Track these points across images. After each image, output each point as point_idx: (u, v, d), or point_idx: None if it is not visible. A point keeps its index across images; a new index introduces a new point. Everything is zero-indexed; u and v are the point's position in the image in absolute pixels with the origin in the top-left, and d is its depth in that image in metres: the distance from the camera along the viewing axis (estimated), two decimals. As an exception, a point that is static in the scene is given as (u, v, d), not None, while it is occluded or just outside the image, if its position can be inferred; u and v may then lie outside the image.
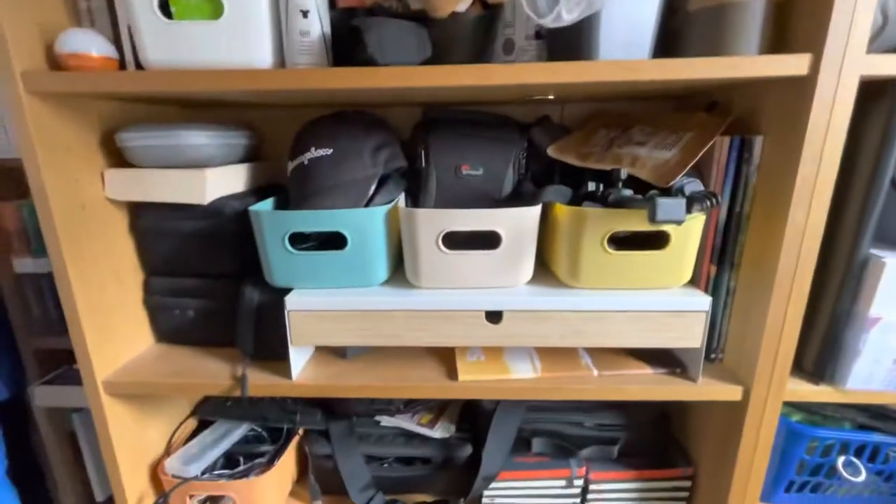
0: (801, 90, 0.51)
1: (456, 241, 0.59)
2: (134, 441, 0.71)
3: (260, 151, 0.85)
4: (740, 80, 0.55)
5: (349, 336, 0.62)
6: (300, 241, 0.64)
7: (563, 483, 0.76)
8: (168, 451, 0.78)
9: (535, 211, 0.59)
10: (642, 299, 0.59)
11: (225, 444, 0.80)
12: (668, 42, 0.56)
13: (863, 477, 0.65)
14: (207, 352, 0.72)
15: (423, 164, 0.71)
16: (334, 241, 0.61)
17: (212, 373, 0.66)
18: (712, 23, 0.52)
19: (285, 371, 0.64)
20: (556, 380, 0.63)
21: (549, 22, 0.50)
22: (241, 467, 0.78)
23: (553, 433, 0.76)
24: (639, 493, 0.76)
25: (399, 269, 0.67)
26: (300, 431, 0.84)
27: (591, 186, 0.64)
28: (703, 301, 0.59)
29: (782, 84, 0.54)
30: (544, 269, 0.68)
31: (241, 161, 0.75)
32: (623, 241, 0.59)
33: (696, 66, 0.50)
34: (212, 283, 0.70)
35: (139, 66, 0.57)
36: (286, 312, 0.61)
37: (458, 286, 0.62)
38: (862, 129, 0.54)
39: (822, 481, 0.69)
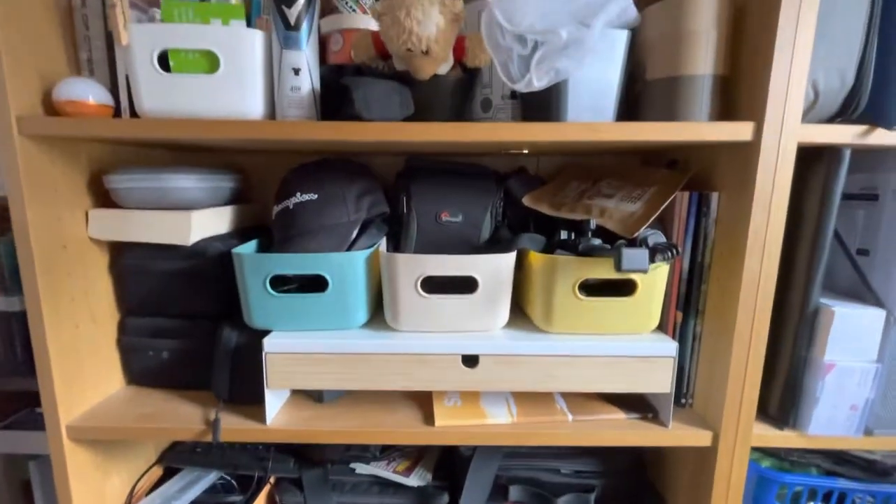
0: (747, 153, 0.56)
1: (435, 285, 0.61)
2: (94, 491, 0.68)
3: (245, 194, 0.87)
4: (693, 143, 0.60)
5: (327, 379, 0.62)
6: (281, 283, 0.65)
7: (540, 533, 0.74)
8: (130, 502, 0.74)
9: (511, 258, 0.62)
10: (612, 344, 0.61)
11: (191, 495, 0.76)
12: (631, 107, 0.61)
13: (832, 524, 0.66)
14: (179, 395, 0.71)
15: (405, 211, 0.74)
16: (315, 283, 0.63)
17: (183, 417, 0.65)
18: (667, 92, 0.58)
19: (260, 416, 0.64)
20: (531, 425, 0.64)
21: (521, 87, 0.54)
22: (207, 519, 0.74)
23: (530, 480, 0.75)
24: (617, 543, 0.75)
25: (378, 312, 0.68)
26: (272, 480, 0.81)
27: (564, 235, 0.68)
28: (670, 346, 0.62)
29: (732, 147, 0.59)
30: (520, 315, 0.70)
31: (227, 203, 0.77)
32: (594, 288, 0.62)
33: (652, 129, 0.55)
34: (189, 323, 0.70)
35: (134, 113, 0.60)
36: (264, 354, 0.61)
37: (436, 329, 0.63)
38: (805, 188, 0.59)
39: (795, 529, 0.69)
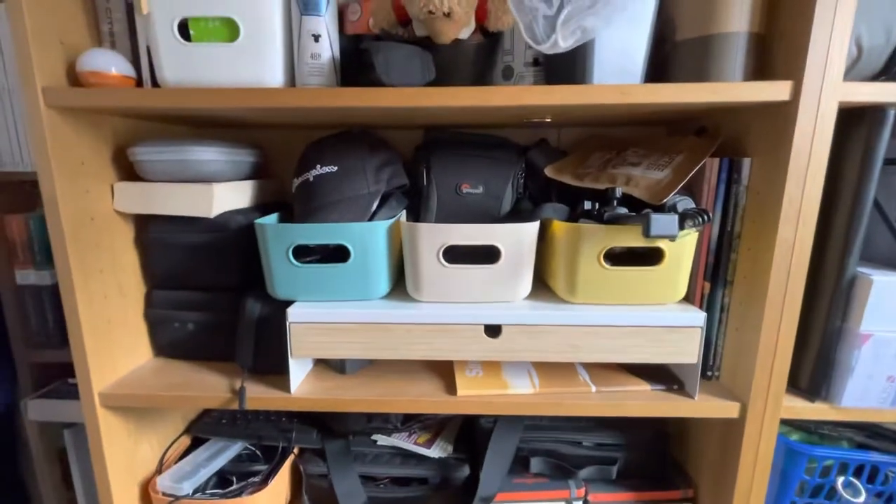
0: (783, 115, 0.54)
1: (456, 255, 0.61)
2: (126, 457, 0.70)
3: (265, 170, 0.87)
4: (726, 105, 0.58)
5: (349, 349, 0.62)
6: (303, 254, 0.65)
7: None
8: (160, 469, 0.76)
9: (534, 227, 0.61)
10: (638, 314, 0.60)
11: (218, 463, 0.79)
12: (659, 70, 0.59)
13: (863, 498, 0.64)
14: (205, 366, 0.72)
15: (425, 183, 0.73)
16: (337, 254, 0.63)
17: (210, 386, 0.66)
18: (698, 52, 0.55)
19: (284, 385, 0.64)
20: (555, 395, 0.64)
21: (546, 48, 0.53)
22: (234, 486, 0.76)
23: (551, 452, 0.75)
24: (638, 515, 0.75)
25: (400, 283, 0.68)
26: (295, 450, 0.83)
27: (587, 205, 0.66)
28: (697, 317, 0.60)
29: (766, 109, 0.57)
30: (542, 286, 0.69)
31: (248, 178, 0.77)
32: (619, 258, 0.61)
33: (685, 91, 0.53)
34: (213, 296, 0.71)
35: (155, 84, 0.60)
36: (288, 324, 0.62)
37: (458, 300, 0.63)
38: (844, 152, 0.57)
39: (823, 503, 0.68)
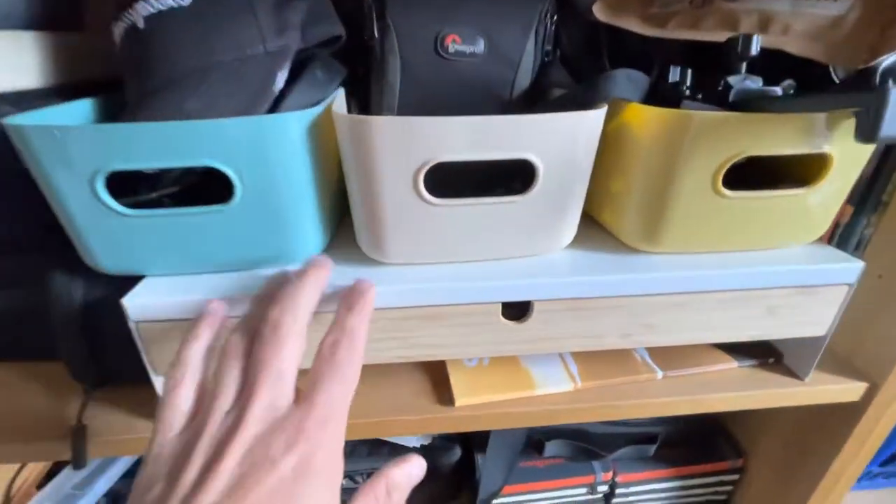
0: None
1: (442, 179, 0.31)
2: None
3: (77, 14, 0.48)
4: None
5: (261, 355, 0.35)
6: (145, 186, 0.33)
7: (584, 490, 0.58)
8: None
9: (599, 117, 0.32)
10: (755, 271, 0.36)
11: (101, 485, 0.54)
12: None
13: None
14: (21, 372, 0.42)
15: (377, 35, 0.39)
16: (210, 185, 0.31)
17: (22, 421, 0.38)
18: None
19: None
20: (604, 390, 0.41)
21: None
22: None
23: (576, 433, 0.56)
24: (673, 491, 0.60)
25: (343, 231, 0.38)
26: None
27: (674, 74, 0.36)
28: (850, 269, 0.37)
29: None
30: (585, 223, 0.42)
31: (29, 27, 0.40)
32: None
33: None
34: None
35: None
36: (133, 325, 0.32)
37: (453, 259, 0.35)
38: None
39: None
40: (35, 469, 0.57)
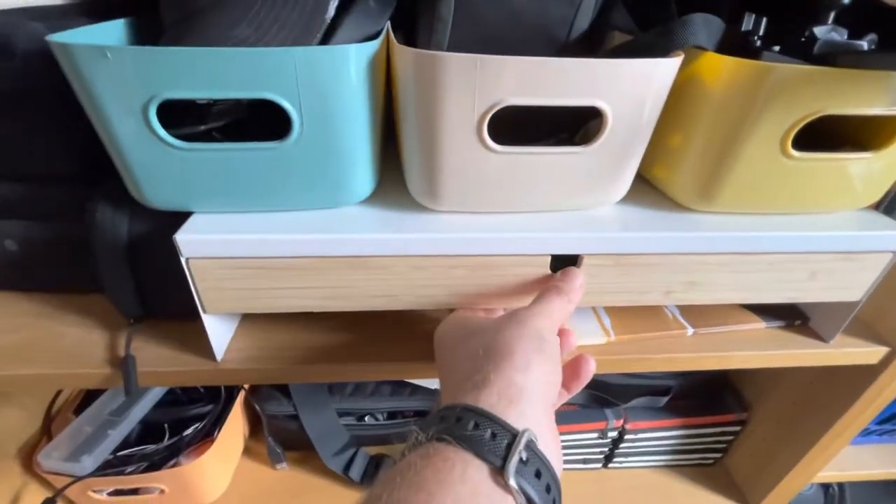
0: None
1: (500, 126, 0.30)
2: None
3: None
4: None
5: (304, 298, 0.35)
6: (192, 118, 0.32)
7: (594, 435, 0.61)
8: (49, 434, 0.53)
9: (674, 66, 0.30)
10: (803, 235, 0.35)
11: (135, 416, 0.56)
12: None
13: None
14: (61, 303, 0.43)
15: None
16: (263, 119, 0.30)
17: (70, 352, 0.39)
18: None
19: (201, 346, 0.38)
20: (637, 343, 0.42)
21: None
22: (166, 442, 0.56)
23: (596, 383, 0.58)
24: (678, 439, 0.63)
25: (389, 177, 0.37)
26: (246, 385, 0.61)
27: (748, 22, 0.34)
28: (894, 235, 0.36)
29: None
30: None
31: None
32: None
33: None
34: (38, 190, 0.38)
35: None
36: (184, 261, 0.32)
37: (511, 209, 0.35)
38: None
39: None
40: (71, 395, 0.59)
